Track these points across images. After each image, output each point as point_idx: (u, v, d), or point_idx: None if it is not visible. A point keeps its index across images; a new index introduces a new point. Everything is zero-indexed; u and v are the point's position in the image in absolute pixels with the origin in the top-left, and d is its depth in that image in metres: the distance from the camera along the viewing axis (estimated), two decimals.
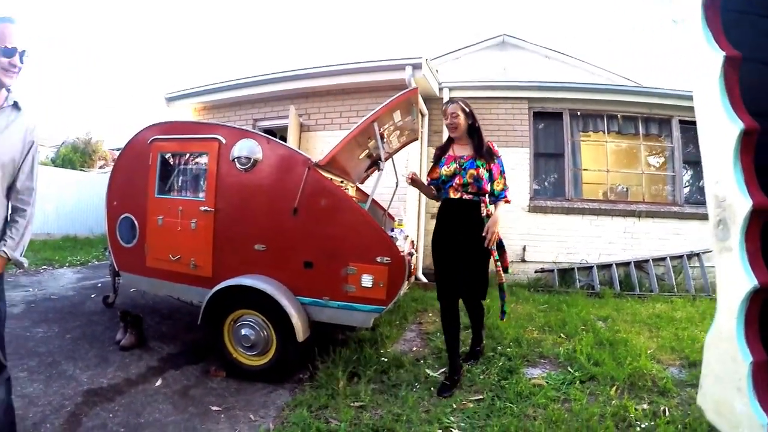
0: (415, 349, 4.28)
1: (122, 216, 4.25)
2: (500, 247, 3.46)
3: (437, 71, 7.72)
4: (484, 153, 3.41)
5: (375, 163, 4.67)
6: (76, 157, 20.56)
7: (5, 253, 2.11)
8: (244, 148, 3.68)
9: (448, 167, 3.44)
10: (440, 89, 7.77)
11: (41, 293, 6.24)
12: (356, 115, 7.15)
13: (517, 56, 11.32)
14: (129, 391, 3.38)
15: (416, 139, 5.28)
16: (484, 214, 3.34)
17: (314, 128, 7.69)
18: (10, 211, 2.18)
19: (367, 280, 3.44)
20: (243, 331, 3.57)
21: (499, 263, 3.40)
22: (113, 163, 4.47)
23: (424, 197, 7.61)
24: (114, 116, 51.75)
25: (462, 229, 3.37)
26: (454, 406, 3.07)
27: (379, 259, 3.41)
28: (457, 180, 3.39)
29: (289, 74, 7.60)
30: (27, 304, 5.53)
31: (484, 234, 3.29)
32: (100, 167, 21.20)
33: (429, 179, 3.69)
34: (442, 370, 3.69)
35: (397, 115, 4.24)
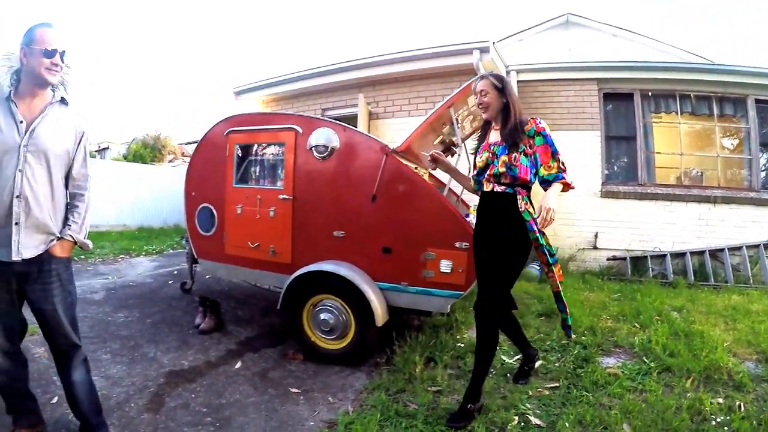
0: None
1: (201, 206, 4.40)
2: (550, 253, 2.81)
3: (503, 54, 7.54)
4: (515, 134, 2.73)
5: (448, 149, 4.61)
6: (146, 152, 21.50)
7: (71, 236, 2.26)
8: (321, 136, 3.72)
9: (481, 157, 2.91)
10: (507, 72, 7.56)
11: (120, 280, 6.57)
12: (425, 101, 7.11)
13: (582, 35, 10.90)
14: (210, 372, 3.49)
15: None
16: (522, 208, 2.68)
17: (383, 116, 7.68)
18: (69, 198, 2.33)
19: (445, 266, 3.41)
20: (322, 316, 3.63)
21: (551, 270, 2.82)
22: (190, 156, 4.61)
23: None
24: (182, 112, 53.90)
25: (496, 225, 2.78)
26: (530, 393, 3.02)
27: (457, 245, 3.37)
28: (489, 170, 2.83)
29: (356, 63, 7.62)
30: (107, 291, 5.83)
31: (536, 216, 2.64)
32: (170, 161, 22.04)
33: (473, 174, 3.09)
34: (518, 357, 3.60)
35: (471, 101, 4.17)
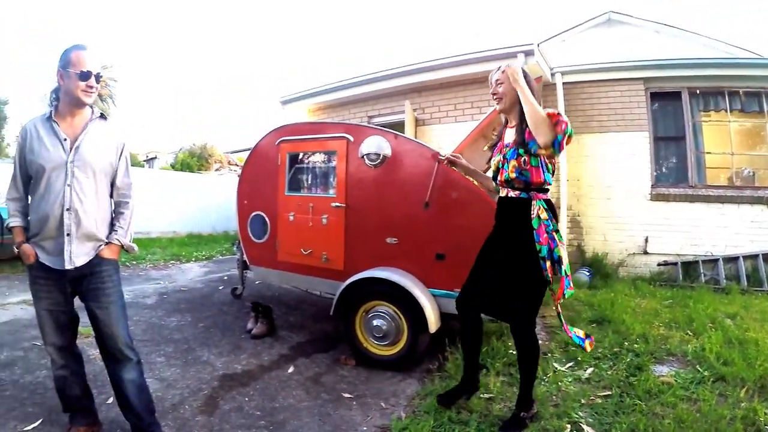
0: (540, 342, 4.13)
1: (253, 214, 4.51)
2: (557, 260, 2.56)
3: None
4: (524, 130, 2.57)
5: None
6: (193, 161, 22.15)
7: (118, 240, 2.39)
8: (373, 144, 3.75)
9: (494, 159, 2.80)
10: (552, 75, 7.47)
11: (171, 285, 6.78)
12: (471, 106, 7.10)
13: (624, 33, 10.61)
14: (263, 377, 3.55)
15: None
16: (534, 214, 2.54)
17: (429, 122, 7.69)
18: (114, 206, 2.46)
19: None
20: (375, 322, 3.64)
21: (552, 273, 2.56)
22: (241, 166, 4.73)
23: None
24: (228, 121, 55.37)
25: (505, 232, 2.70)
26: (583, 401, 2.97)
27: None
28: (500, 176, 2.73)
29: (401, 70, 7.65)
30: (159, 296, 6.03)
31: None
32: (216, 170, 22.57)
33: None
34: (570, 364, 3.58)
35: None
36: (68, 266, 2.22)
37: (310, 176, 4.34)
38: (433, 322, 3.46)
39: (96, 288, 2.31)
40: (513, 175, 2.60)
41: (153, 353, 3.92)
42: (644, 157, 7.36)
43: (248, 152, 4.70)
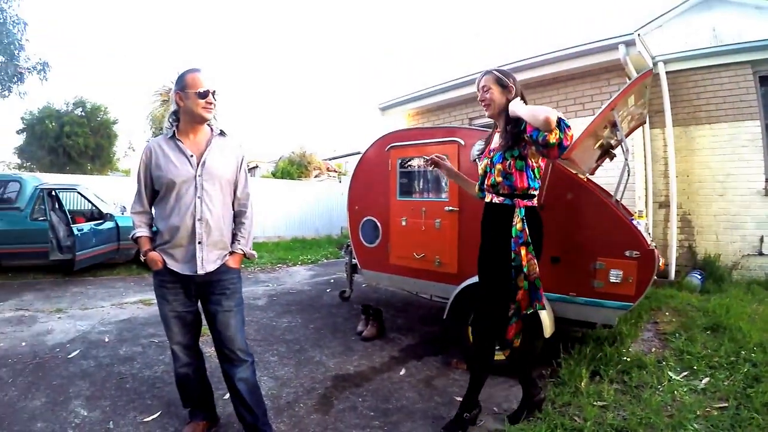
0: (654, 350, 3.99)
1: (365, 219, 4.66)
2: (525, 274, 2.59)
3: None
4: (510, 133, 2.57)
5: (606, 153, 4.45)
6: (293, 169, 22.93)
7: (241, 249, 2.55)
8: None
9: (481, 163, 2.79)
10: (654, 64, 7.02)
11: (280, 288, 7.12)
12: (573, 103, 6.87)
13: (724, 14, 9.83)
14: (375, 378, 3.65)
15: (644, 123, 4.92)
16: (515, 223, 2.56)
17: None
18: (235, 216, 2.60)
19: (615, 275, 3.30)
20: None
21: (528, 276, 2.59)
22: (352, 173, 4.89)
23: (651, 186, 6.97)
24: (325, 129, 57.17)
25: (490, 237, 2.71)
26: (698, 412, 2.82)
27: (627, 254, 3.24)
28: (487, 180, 2.72)
29: None
30: (269, 297, 6.35)
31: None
32: (316, 176, 23.33)
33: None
34: (685, 373, 3.41)
35: (631, 100, 3.99)
36: (200, 271, 2.39)
37: (421, 181, 4.41)
38: (547, 327, 3.43)
39: (221, 294, 2.47)
40: (499, 179, 2.61)
41: (266, 353, 4.15)
42: (756, 149, 6.72)
43: (348, 158, 4.88)
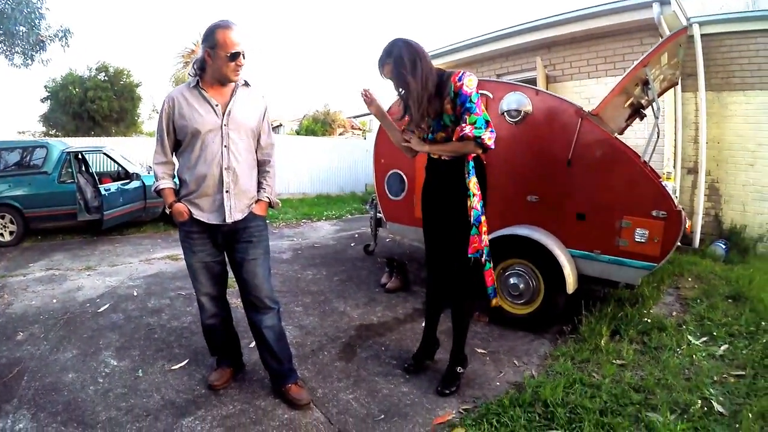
0: (674, 314, 4.00)
1: (390, 172, 4.66)
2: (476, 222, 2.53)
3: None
4: (432, 105, 2.50)
5: (636, 112, 4.38)
6: (317, 127, 22.80)
7: (267, 197, 2.57)
8: (513, 101, 3.71)
9: (425, 123, 2.68)
10: (690, 25, 6.72)
11: (305, 242, 7.21)
12: (604, 61, 6.76)
13: None
14: (398, 328, 3.72)
15: (676, 83, 4.82)
16: (465, 175, 2.51)
17: (561, 79, 7.43)
18: (259, 165, 2.59)
19: (640, 235, 3.29)
20: (511, 280, 3.69)
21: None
22: (378, 127, 4.85)
23: (680, 151, 6.80)
24: (350, 88, 56.64)
25: (441, 197, 2.67)
26: (715, 378, 2.84)
27: (654, 213, 3.23)
28: (435, 137, 2.65)
29: (529, 25, 7.44)
30: (294, 251, 6.45)
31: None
32: (340, 134, 23.25)
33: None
34: (704, 338, 3.43)
35: (664, 59, 3.91)
36: (228, 220, 2.40)
37: None
38: (571, 283, 3.46)
39: (247, 242, 2.50)
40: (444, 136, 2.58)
41: (291, 303, 4.23)
42: None
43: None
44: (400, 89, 2.55)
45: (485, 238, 2.55)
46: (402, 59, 2.43)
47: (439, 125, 2.56)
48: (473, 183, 2.49)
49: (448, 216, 2.63)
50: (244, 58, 2.33)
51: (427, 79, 2.44)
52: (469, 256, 2.55)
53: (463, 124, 2.40)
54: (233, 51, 2.26)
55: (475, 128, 2.37)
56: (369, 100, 2.77)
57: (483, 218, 2.52)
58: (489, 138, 2.39)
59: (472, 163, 2.50)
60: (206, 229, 2.46)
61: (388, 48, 2.51)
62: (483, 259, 2.58)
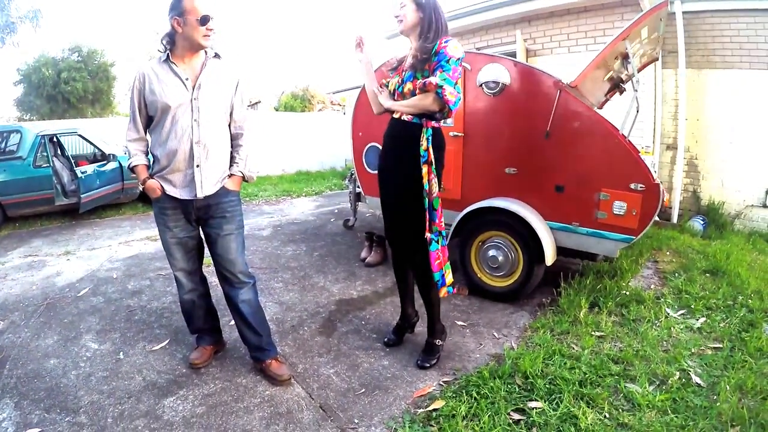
0: (653, 286, 4.04)
1: (368, 145, 4.62)
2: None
3: None
4: (418, 55, 2.51)
5: (616, 86, 4.37)
6: (296, 103, 22.58)
7: (240, 172, 2.52)
8: (491, 72, 3.65)
9: (392, 80, 2.72)
10: (671, 2, 6.54)
11: (284, 218, 7.14)
12: (584, 36, 6.72)
13: None
14: (378, 302, 3.73)
15: (656, 59, 4.82)
16: (421, 142, 2.49)
17: (541, 53, 7.39)
18: (232, 139, 2.55)
19: (619, 207, 3.30)
20: (490, 253, 3.69)
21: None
22: (356, 98, 4.78)
23: (659, 128, 6.79)
24: (330, 64, 55.90)
25: (396, 157, 2.66)
26: (693, 350, 2.89)
27: (632, 186, 3.24)
28: (396, 98, 2.68)
29: None
30: (273, 228, 6.38)
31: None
32: (319, 110, 23.03)
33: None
34: (682, 311, 3.47)
35: (644, 33, 3.90)
36: (200, 194, 2.37)
37: None
38: (549, 255, 3.46)
39: (221, 217, 2.47)
40: (408, 98, 2.57)
41: (271, 280, 4.21)
42: None
43: (352, 91, 4.76)
44: (420, 13, 2.53)
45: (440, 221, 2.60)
46: (434, 5, 2.55)
47: (411, 77, 2.56)
48: (426, 147, 2.49)
49: (401, 186, 2.64)
50: (213, 21, 2.31)
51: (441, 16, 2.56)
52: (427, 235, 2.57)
53: (431, 77, 2.40)
54: (203, 14, 2.23)
55: (440, 80, 2.36)
56: (360, 45, 2.79)
57: (428, 188, 2.52)
58: (451, 93, 2.38)
59: (430, 131, 2.50)
60: (179, 205, 2.43)
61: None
62: (428, 237, 2.57)
